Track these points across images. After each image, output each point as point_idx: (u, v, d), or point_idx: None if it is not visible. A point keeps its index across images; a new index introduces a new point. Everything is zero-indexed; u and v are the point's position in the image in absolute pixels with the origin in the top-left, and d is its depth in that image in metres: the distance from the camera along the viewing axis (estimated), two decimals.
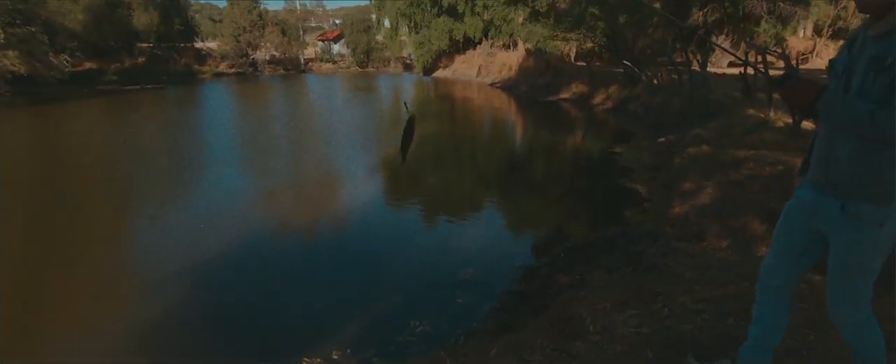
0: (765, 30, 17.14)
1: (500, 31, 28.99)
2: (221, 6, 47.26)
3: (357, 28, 40.42)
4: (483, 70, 29.14)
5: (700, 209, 5.32)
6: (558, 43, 21.29)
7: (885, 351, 1.64)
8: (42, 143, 12.51)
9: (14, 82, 20.82)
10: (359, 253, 5.53)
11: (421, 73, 34.27)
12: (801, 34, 22.62)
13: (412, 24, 34.29)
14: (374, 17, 39.94)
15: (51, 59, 22.08)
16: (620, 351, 2.24)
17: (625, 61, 16.47)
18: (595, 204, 7.33)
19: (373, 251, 5.57)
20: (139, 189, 8.25)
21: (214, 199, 7.48)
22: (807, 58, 20.42)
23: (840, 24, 20.85)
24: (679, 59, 13.72)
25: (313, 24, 50.17)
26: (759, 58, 9.65)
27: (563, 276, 4.33)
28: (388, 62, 40.29)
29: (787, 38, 19.13)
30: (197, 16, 47.22)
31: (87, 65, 27.01)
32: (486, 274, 4.73)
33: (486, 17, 30.10)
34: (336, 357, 3.44)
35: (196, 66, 33.79)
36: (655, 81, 14.48)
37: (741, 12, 16.69)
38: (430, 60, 33.57)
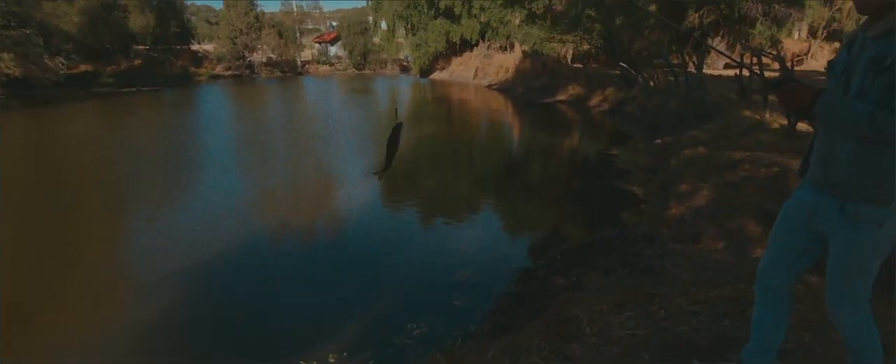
0: (760, 32, 17.24)
1: (497, 33, 29.06)
2: (218, 8, 47.34)
3: (354, 30, 40.42)
4: (480, 72, 29.18)
5: (696, 211, 5.33)
6: (555, 45, 21.34)
7: (883, 352, 1.64)
8: (37, 146, 12.45)
9: (9, 85, 20.74)
10: (356, 255, 5.53)
11: (418, 75, 34.29)
12: (795, 36, 22.74)
13: (409, 26, 34.32)
14: (370, 19, 39.96)
15: (46, 61, 22.02)
16: (617, 353, 2.24)
17: (621, 63, 16.52)
18: (592, 206, 7.34)
19: (370, 253, 5.57)
20: (136, 191, 8.22)
21: (210, 202, 7.46)
22: (802, 59, 20.52)
23: (835, 25, 20.97)
24: (675, 61, 13.78)
25: (310, 26, 50.10)
26: (755, 59, 9.69)
27: (559, 278, 4.33)
28: (385, 64, 40.30)
29: (783, 39, 19.24)
30: (193, 18, 47.10)
31: (83, 67, 26.94)
32: (484, 276, 4.73)
33: (482, 19, 30.18)
34: (332, 360, 3.44)
35: (192, 69, 33.76)
36: (652, 83, 14.53)
37: (736, 14, 16.76)
38: (426, 62, 33.60)
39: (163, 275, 4.88)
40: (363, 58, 40.46)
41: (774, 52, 13.63)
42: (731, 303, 2.54)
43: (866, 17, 1.45)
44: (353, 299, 4.41)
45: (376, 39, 40.39)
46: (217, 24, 43.69)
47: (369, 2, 37.07)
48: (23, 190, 8.14)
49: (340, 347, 3.57)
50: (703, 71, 12.96)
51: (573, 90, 19.01)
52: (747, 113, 8.88)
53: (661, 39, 16.90)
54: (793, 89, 1.48)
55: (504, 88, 24.32)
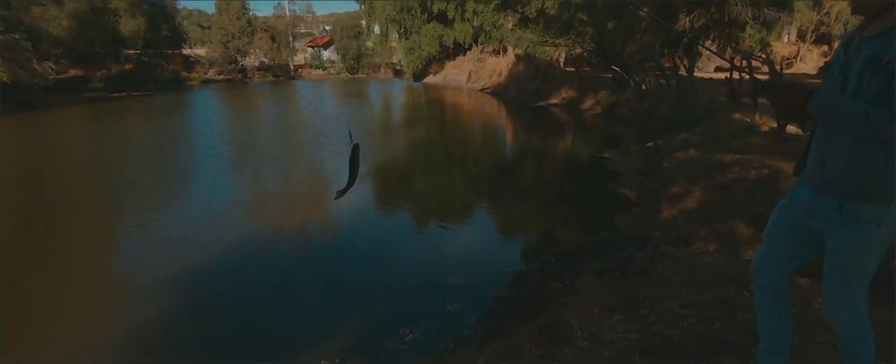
0: (750, 35, 17.43)
1: (490, 37, 29.16)
2: (210, 12, 47.13)
3: (347, 34, 40.39)
4: (473, 76, 29.26)
5: (688, 213, 5.36)
6: (548, 48, 21.44)
7: (876, 351, 1.64)
8: (25, 152, 12.29)
9: None
10: (348, 259, 5.50)
11: (411, 79, 34.32)
12: (785, 39, 23.01)
13: (402, 29, 34.36)
14: (363, 23, 40.00)
15: (35, 66, 21.74)
16: (608, 357, 2.24)
17: (613, 66, 16.62)
18: (585, 208, 7.35)
19: (362, 257, 5.54)
20: (126, 197, 8.14)
21: (202, 206, 7.39)
22: (791, 63, 20.76)
23: (823, 29, 21.24)
24: (667, 65, 13.88)
25: (303, 31, 49.94)
26: (745, 63, 9.78)
27: (552, 282, 4.33)
28: (379, 68, 40.29)
29: (772, 43, 19.46)
30: (185, 22, 46.85)
31: (73, 72, 26.71)
32: (477, 279, 4.72)
33: (475, 22, 30.30)
34: None
35: (184, 73, 33.59)
36: (644, 86, 14.62)
37: (727, 18, 16.94)
38: (420, 66, 33.64)
39: (156, 279, 4.85)
40: (356, 62, 40.43)
41: (763, 56, 13.78)
42: (721, 305, 2.55)
43: (862, 18, 1.46)
44: (345, 304, 4.39)
45: (369, 43, 40.39)
46: (209, 28, 43.49)
47: (362, 6, 37.09)
48: (13, 195, 8.03)
49: (332, 353, 3.54)
50: (694, 74, 13.07)
51: (566, 93, 19.09)
52: (738, 116, 8.95)
53: (652, 43, 17.03)
54: (784, 91, 1.48)
55: (497, 92, 24.39)
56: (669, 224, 5.31)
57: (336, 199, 1.78)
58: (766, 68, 9.34)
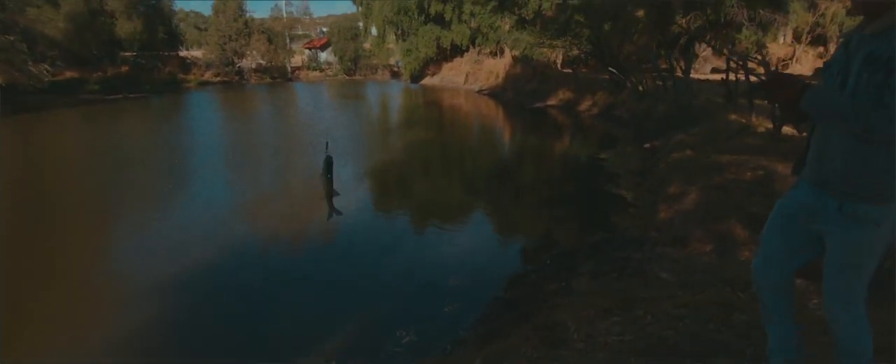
0: (746, 36, 17.48)
1: (487, 39, 29.17)
2: (206, 14, 47.04)
3: (344, 36, 40.39)
4: (470, 77, 29.28)
5: (684, 214, 5.36)
6: (545, 50, 21.45)
7: (873, 350, 1.64)
8: (21, 154, 12.23)
9: None
10: (346, 260, 5.48)
11: (408, 81, 34.31)
12: (781, 41, 23.10)
13: (399, 31, 34.36)
14: (361, 24, 39.94)
15: (30, 68, 21.64)
16: (603, 358, 2.24)
17: (610, 68, 16.65)
18: (581, 210, 7.35)
19: (359, 259, 5.52)
20: (124, 198, 8.10)
21: (200, 207, 7.38)
22: (787, 64, 20.83)
23: (819, 30, 21.33)
24: (663, 66, 13.92)
25: (300, 32, 49.97)
26: (741, 63, 9.81)
27: (549, 283, 4.33)
28: (376, 70, 40.29)
29: (768, 44, 19.54)
30: (181, 24, 46.67)
31: (68, 74, 26.55)
32: (474, 281, 4.71)
33: (472, 24, 30.30)
34: None
35: (180, 75, 33.42)
36: (640, 88, 14.65)
37: (723, 19, 16.99)
38: (417, 68, 33.63)
39: (155, 279, 4.83)
40: (354, 63, 40.43)
41: (759, 57, 13.83)
42: (716, 307, 2.55)
43: (859, 18, 1.46)
44: (344, 305, 4.38)
45: (367, 45, 40.35)
46: (206, 30, 43.35)
47: (359, 7, 37.08)
48: (10, 196, 7.98)
49: (330, 354, 3.53)
50: (691, 75, 13.11)
51: (563, 95, 19.12)
52: (734, 117, 8.97)
53: (649, 44, 17.08)
54: (781, 78, 1.48)
55: (494, 93, 24.40)
56: (666, 225, 5.32)
57: (328, 219, 1.74)
58: (762, 70, 9.38)
